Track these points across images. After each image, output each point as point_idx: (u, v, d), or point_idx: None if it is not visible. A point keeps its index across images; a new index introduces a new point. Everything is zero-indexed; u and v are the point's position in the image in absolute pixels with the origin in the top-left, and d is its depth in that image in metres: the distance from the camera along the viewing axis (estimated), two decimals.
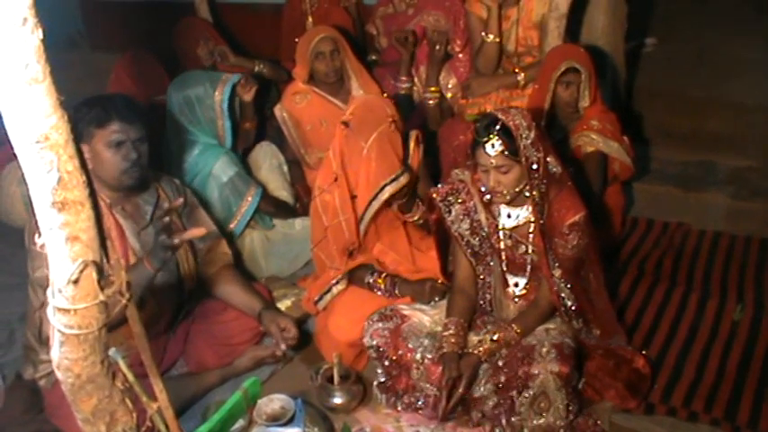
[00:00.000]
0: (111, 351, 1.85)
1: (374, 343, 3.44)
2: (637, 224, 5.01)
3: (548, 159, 3.20)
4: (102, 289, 1.67)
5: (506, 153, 3.10)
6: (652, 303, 4.13)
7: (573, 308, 3.38)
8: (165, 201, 3.51)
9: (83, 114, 3.20)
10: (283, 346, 3.52)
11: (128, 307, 1.83)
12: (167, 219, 2.99)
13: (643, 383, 3.48)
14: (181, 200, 3.26)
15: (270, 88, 5.22)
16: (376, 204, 3.56)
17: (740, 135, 5.67)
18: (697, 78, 6.39)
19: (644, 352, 3.65)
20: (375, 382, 3.52)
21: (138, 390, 1.96)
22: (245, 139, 4.76)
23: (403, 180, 3.54)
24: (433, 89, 5.04)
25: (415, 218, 3.70)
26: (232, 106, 4.38)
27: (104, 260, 1.70)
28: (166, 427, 2.06)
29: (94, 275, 1.64)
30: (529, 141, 3.09)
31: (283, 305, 4.02)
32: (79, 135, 3.13)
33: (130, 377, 1.92)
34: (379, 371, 3.49)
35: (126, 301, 1.79)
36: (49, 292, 1.65)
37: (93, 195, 1.62)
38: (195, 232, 3.05)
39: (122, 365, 1.90)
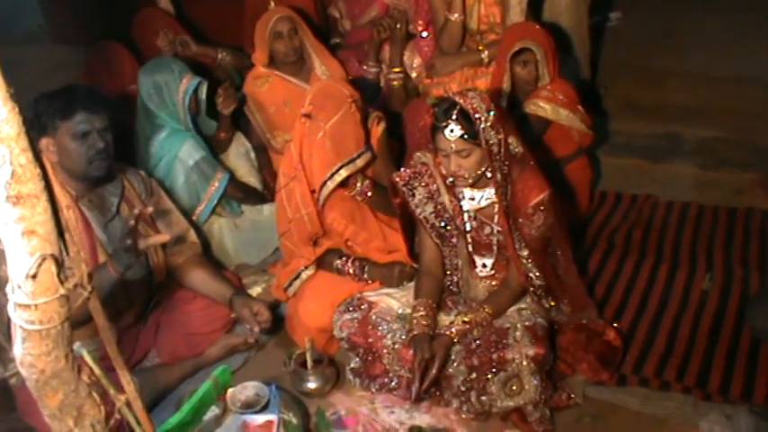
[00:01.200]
0: (76, 345, 1.84)
1: (344, 334, 3.45)
2: (605, 198, 5.02)
3: (509, 140, 3.19)
4: (62, 282, 1.65)
5: (466, 137, 3.09)
6: (622, 276, 4.16)
7: (541, 287, 3.39)
8: (130, 191, 3.50)
9: (45, 107, 3.18)
10: (257, 329, 3.51)
11: (90, 300, 1.82)
12: (132, 222, 2.98)
13: (615, 356, 3.50)
14: (151, 208, 3.25)
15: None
16: (331, 185, 3.55)
17: (706, 106, 5.72)
18: (662, 51, 6.44)
19: (615, 324, 3.68)
20: (348, 366, 3.52)
21: (106, 383, 1.94)
22: (219, 147, 4.71)
23: (360, 162, 3.54)
24: (396, 69, 5.01)
25: (351, 193, 3.67)
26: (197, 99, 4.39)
27: (64, 253, 1.69)
28: (136, 419, 2.05)
29: (53, 269, 1.62)
30: (488, 124, 3.08)
31: (254, 292, 4.03)
32: (42, 128, 3.13)
33: (97, 370, 1.91)
34: (354, 358, 3.51)
35: (88, 293, 1.77)
36: (8, 288, 1.64)
37: (48, 188, 1.61)
38: (159, 239, 3.07)
39: (88, 359, 1.89)
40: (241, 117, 4.84)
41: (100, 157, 3.25)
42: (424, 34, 5.06)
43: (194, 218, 4.24)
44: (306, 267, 3.72)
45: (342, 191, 3.67)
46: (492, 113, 3.08)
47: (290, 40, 4.65)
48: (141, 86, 4.29)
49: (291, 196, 3.67)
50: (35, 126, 3.13)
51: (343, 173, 3.53)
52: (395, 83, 5.01)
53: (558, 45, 4.49)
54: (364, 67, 5.14)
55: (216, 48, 5.32)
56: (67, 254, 1.70)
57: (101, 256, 3.32)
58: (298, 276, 3.73)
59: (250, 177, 4.70)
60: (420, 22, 5.05)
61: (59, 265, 1.64)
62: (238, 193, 4.49)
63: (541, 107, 4.30)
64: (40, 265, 1.59)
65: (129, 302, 3.48)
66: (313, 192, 3.61)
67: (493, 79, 4.54)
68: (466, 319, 3.29)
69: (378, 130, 3.71)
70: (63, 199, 3.17)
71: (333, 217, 3.67)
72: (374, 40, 5.07)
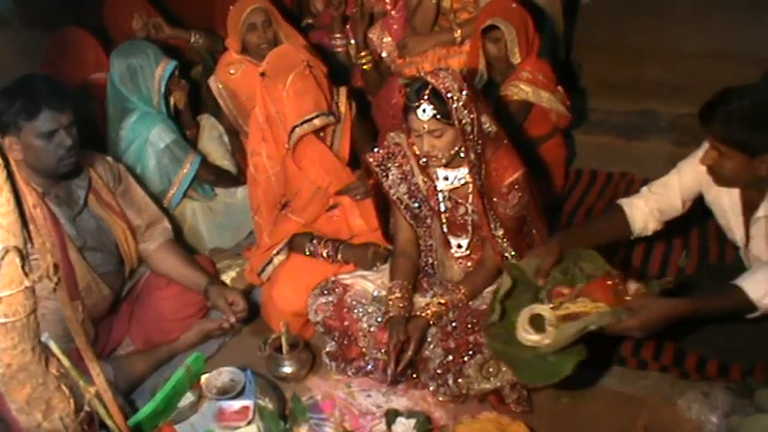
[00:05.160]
0: (44, 337, 1.81)
1: (319, 318, 3.44)
2: (580, 176, 5.02)
3: (481, 119, 3.17)
4: (26, 275, 1.62)
5: (438, 117, 3.07)
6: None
7: None
8: (97, 182, 3.45)
9: (6, 106, 3.09)
10: (233, 320, 3.49)
11: (57, 291, 1.79)
12: None
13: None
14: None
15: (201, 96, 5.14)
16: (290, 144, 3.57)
17: (680, 82, 5.74)
18: (635, 27, 6.46)
19: None
20: (324, 350, 3.51)
21: (75, 375, 1.92)
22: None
23: (318, 122, 3.54)
24: (363, 54, 4.99)
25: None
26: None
27: (28, 245, 1.65)
28: (106, 410, 2.03)
29: (18, 261, 1.59)
30: (461, 103, 3.06)
31: (228, 276, 4.01)
32: (4, 126, 3.04)
33: (65, 362, 1.88)
34: (329, 342, 3.50)
35: (54, 284, 1.74)
36: None
37: (11, 179, 1.57)
38: None
39: (56, 351, 1.86)
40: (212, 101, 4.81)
41: (69, 155, 3.20)
42: (393, 13, 5.02)
43: (166, 201, 4.23)
44: (278, 252, 3.70)
45: (320, 145, 3.67)
46: (464, 93, 3.06)
47: (264, 32, 4.57)
48: (114, 70, 4.26)
49: (258, 165, 3.71)
50: None
51: (298, 132, 3.53)
52: (365, 66, 4.98)
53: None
54: (332, 42, 5.12)
55: (189, 31, 5.28)
56: (32, 245, 1.67)
57: (71, 252, 3.28)
58: (270, 261, 3.71)
59: (224, 161, 4.67)
60: (387, 1, 5.02)
61: (24, 256, 1.61)
62: (210, 176, 4.47)
63: (522, 89, 4.28)
64: (3, 258, 1.56)
65: (101, 295, 3.44)
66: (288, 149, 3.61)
67: (468, 57, 4.52)
68: (442, 301, 3.28)
69: (350, 105, 3.75)
70: (29, 197, 3.11)
71: (314, 174, 3.66)
72: (334, 15, 5.11)
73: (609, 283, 2.95)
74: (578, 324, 2.84)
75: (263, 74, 3.60)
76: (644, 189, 3.31)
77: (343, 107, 3.75)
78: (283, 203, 3.76)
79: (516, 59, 4.33)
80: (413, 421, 3.06)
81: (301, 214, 3.72)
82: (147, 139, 4.19)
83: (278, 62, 3.60)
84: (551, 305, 2.96)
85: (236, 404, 3.10)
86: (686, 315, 2.91)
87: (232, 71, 4.64)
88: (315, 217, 3.74)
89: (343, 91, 3.76)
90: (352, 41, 5.12)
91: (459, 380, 3.18)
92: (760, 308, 2.83)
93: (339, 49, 5.17)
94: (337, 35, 5.14)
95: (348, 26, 5.19)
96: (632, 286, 2.97)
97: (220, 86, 4.63)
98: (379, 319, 3.33)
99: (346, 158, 3.78)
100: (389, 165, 3.39)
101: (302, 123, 3.51)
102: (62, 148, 3.16)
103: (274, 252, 3.71)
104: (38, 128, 3.10)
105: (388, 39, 4.99)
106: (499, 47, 4.33)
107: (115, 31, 5.28)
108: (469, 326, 3.20)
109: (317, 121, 3.54)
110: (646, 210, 3.26)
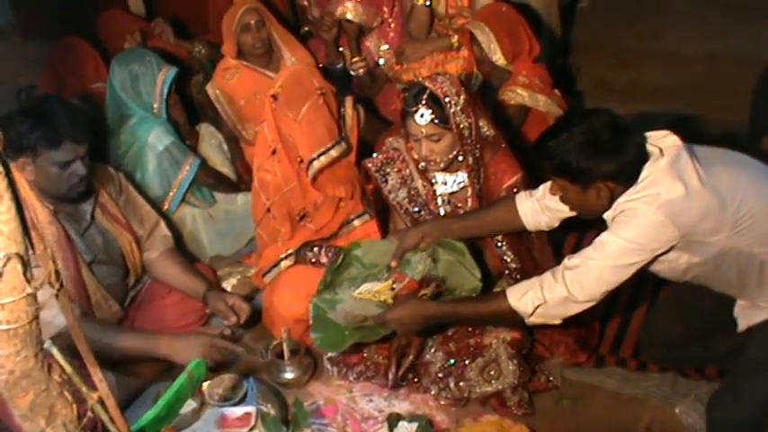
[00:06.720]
0: (47, 344, 1.81)
1: None
2: None
3: (479, 123, 3.19)
4: (29, 281, 1.63)
5: (436, 121, 3.10)
6: None
7: (517, 270, 3.38)
8: (103, 195, 3.49)
9: (25, 130, 3.09)
10: (233, 320, 3.48)
11: (60, 298, 1.79)
12: None
13: (592, 337, 3.51)
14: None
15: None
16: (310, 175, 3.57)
17: (678, 84, 5.72)
18: (634, 30, 6.46)
19: None
20: (326, 355, 3.51)
21: (77, 381, 1.92)
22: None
23: (334, 153, 3.54)
24: (355, 59, 5.01)
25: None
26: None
27: (29, 251, 1.66)
28: (109, 417, 2.03)
29: (19, 268, 1.59)
30: (459, 108, 3.08)
31: (229, 284, 4.00)
32: (19, 148, 3.05)
33: (68, 369, 1.88)
34: None
35: (56, 291, 1.75)
36: None
37: (12, 185, 1.58)
38: None
39: (58, 357, 1.86)
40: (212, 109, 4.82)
41: (81, 183, 3.26)
42: (389, 20, 5.04)
43: (165, 205, 4.24)
44: (286, 256, 3.70)
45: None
46: (462, 97, 3.08)
47: (258, 32, 4.60)
48: (115, 76, 4.27)
49: (266, 183, 3.69)
50: (10, 140, 3.05)
51: (316, 165, 3.52)
52: (360, 71, 4.99)
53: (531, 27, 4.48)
54: (327, 62, 5.13)
55: (192, 41, 5.29)
56: (33, 251, 1.68)
57: (82, 267, 3.32)
58: (277, 264, 3.71)
59: (223, 168, 4.67)
60: (385, 9, 5.03)
61: (25, 263, 1.62)
62: (209, 180, 4.47)
63: (519, 94, 4.31)
64: (5, 265, 1.56)
65: (110, 310, 3.47)
66: (302, 161, 3.59)
67: (466, 62, 4.54)
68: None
69: (356, 114, 3.74)
70: (42, 215, 3.14)
71: (332, 190, 3.66)
72: (324, 38, 5.11)
73: (415, 285, 3.15)
74: (348, 307, 3.24)
75: (274, 96, 3.57)
76: (542, 186, 3.14)
77: (349, 119, 3.73)
78: (301, 215, 3.76)
79: (500, 60, 4.35)
80: (415, 425, 3.06)
81: (320, 224, 3.72)
82: (146, 141, 4.21)
83: (292, 89, 3.54)
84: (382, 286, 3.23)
85: (239, 410, 3.10)
86: (436, 316, 3.05)
87: (228, 76, 4.66)
88: (335, 228, 3.74)
89: (348, 101, 3.74)
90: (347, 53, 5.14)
91: (461, 383, 3.20)
92: (521, 314, 2.85)
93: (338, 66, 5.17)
94: (331, 59, 5.13)
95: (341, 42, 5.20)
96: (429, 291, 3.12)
97: (218, 92, 4.64)
98: None
99: (353, 163, 3.77)
100: (388, 170, 3.41)
101: (319, 156, 3.52)
102: (75, 176, 3.21)
103: (283, 255, 3.70)
104: (55, 157, 3.14)
105: (385, 46, 5.01)
106: (478, 48, 4.37)
107: (111, 50, 5.28)
108: (470, 329, 3.22)
109: (333, 152, 3.54)
110: (537, 207, 3.14)
